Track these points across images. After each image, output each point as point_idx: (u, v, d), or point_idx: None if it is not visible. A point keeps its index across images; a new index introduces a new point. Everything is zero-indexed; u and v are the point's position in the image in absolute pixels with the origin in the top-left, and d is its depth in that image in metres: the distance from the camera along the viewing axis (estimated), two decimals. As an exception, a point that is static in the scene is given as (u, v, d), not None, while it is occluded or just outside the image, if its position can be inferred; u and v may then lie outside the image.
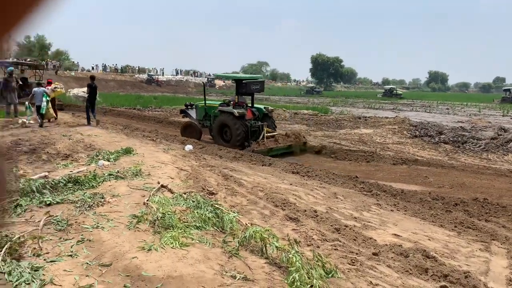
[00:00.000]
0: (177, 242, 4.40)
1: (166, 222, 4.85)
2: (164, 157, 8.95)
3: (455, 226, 6.57)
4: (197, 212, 5.31)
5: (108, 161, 8.45)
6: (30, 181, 6.26)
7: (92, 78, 15.15)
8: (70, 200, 5.82)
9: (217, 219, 5.29)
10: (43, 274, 3.65)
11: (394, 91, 68.42)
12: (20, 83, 18.10)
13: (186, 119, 16.44)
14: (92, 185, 6.64)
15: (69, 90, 15.18)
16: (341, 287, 4.01)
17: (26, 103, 14.86)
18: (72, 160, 8.69)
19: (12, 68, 17.37)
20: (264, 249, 4.52)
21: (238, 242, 4.64)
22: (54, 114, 14.81)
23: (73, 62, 66.46)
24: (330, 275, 4.13)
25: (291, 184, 8.31)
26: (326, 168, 11.10)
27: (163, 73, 70.56)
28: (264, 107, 15.00)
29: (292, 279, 3.76)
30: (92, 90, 14.51)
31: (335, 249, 5.08)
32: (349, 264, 4.63)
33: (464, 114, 32.63)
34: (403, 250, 5.15)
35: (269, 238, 4.52)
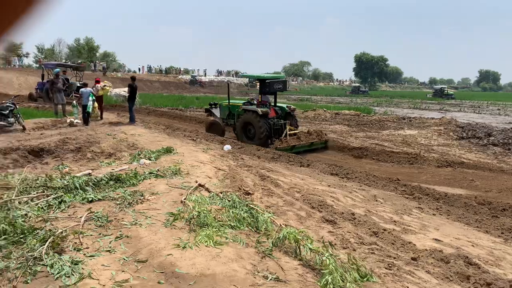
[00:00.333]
0: (211, 241, 4.44)
1: (201, 221, 4.91)
2: (203, 157, 9.08)
3: (502, 233, 6.26)
4: (232, 212, 5.34)
5: (149, 160, 8.67)
6: (74, 178, 6.52)
7: (133, 78, 15.66)
8: (111, 197, 6.02)
9: (252, 219, 5.30)
10: (82, 268, 3.79)
11: (445, 91, 64.89)
12: (66, 84, 18.87)
13: (211, 118, 16.91)
14: (133, 183, 6.83)
15: (110, 90, 15.63)
16: (376, 292, 3.91)
17: (74, 102, 15.55)
18: (115, 159, 8.97)
19: (58, 69, 18.17)
20: (298, 250, 4.48)
21: (272, 243, 4.63)
22: (100, 113, 15.40)
23: (120, 63, 68.78)
24: (365, 279, 4.03)
25: (329, 185, 8.20)
26: (367, 170, 10.88)
27: (205, 74, 71.62)
28: (287, 106, 15.24)
29: (325, 282, 3.71)
30: (133, 90, 14.94)
31: (372, 253, 4.96)
32: (386, 268, 4.51)
33: (517, 115, 31.02)
34: (444, 256, 4.95)
35: (303, 239, 4.48)
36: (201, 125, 16.56)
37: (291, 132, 14.19)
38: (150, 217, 5.23)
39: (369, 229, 5.77)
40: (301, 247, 4.45)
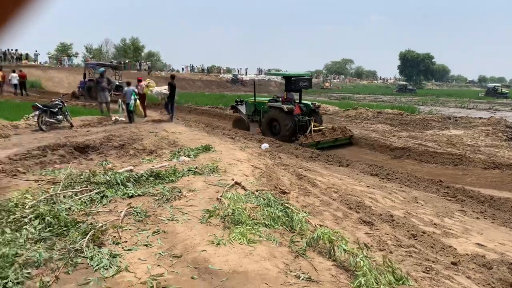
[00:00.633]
0: (244, 238, 4.47)
1: (235, 218, 4.96)
2: (240, 155, 9.15)
3: (553, 239, 5.91)
4: (267, 210, 5.36)
5: (188, 157, 8.83)
6: (116, 174, 6.74)
7: (172, 77, 16.30)
8: (150, 193, 6.18)
9: (286, 218, 5.30)
10: (120, 261, 3.92)
11: (499, 89, 60.46)
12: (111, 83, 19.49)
13: (237, 114, 17.44)
14: (172, 179, 6.99)
15: (150, 89, 16.11)
16: (412, 296, 3.81)
17: (119, 101, 16.11)
18: (156, 156, 9.20)
19: (103, 69, 18.80)
20: (332, 251, 4.44)
21: (306, 243, 4.61)
22: (143, 112, 15.84)
23: (163, 63, 70.37)
24: (400, 282, 3.94)
25: (368, 186, 8.05)
26: (408, 171, 10.59)
27: (246, 72, 72.02)
28: (312, 103, 15.67)
29: (358, 283, 3.66)
30: (172, 88, 15.39)
31: (409, 256, 4.84)
32: (423, 272, 4.38)
33: None
34: (487, 262, 4.75)
35: (337, 240, 4.43)
36: (252, 125, 16.85)
37: (315, 128, 14.52)
38: (186, 213, 5.33)
39: (408, 231, 5.62)
40: (335, 247, 4.41)
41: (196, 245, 4.36)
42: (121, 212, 5.22)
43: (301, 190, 7.01)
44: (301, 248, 4.51)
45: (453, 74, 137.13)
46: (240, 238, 4.47)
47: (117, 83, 23.03)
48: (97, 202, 5.67)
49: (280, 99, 15.40)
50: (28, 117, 13.56)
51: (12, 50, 43.68)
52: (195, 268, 3.88)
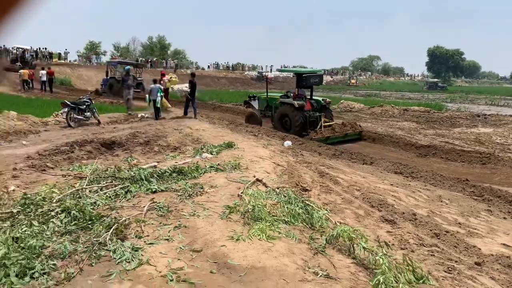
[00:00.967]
0: (264, 235, 4.51)
1: (255, 215, 4.99)
2: (262, 152, 9.18)
3: None
4: (287, 207, 5.37)
5: (211, 154, 8.92)
6: (141, 170, 6.88)
7: (193, 75, 16.70)
8: (173, 188, 6.30)
9: (306, 215, 5.30)
10: (142, 255, 4.02)
11: None
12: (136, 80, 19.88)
13: (249, 110, 17.81)
14: (194, 175, 7.08)
15: (171, 86, 16.45)
16: (432, 295, 3.76)
17: (147, 96, 16.49)
18: (180, 152, 9.34)
19: (129, 67, 19.14)
20: (351, 248, 4.42)
21: (326, 240, 4.61)
22: (169, 105, 16.20)
23: (190, 60, 71.02)
24: (420, 281, 3.90)
25: (391, 184, 7.95)
26: (434, 169, 10.38)
27: (271, 70, 71.99)
28: (322, 99, 15.98)
29: (377, 282, 3.63)
30: (193, 85, 15.70)
31: (431, 255, 4.77)
32: (445, 271, 4.31)
33: None
34: (512, 263, 4.64)
35: (357, 238, 4.41)
36: (263, 120, 16.90)
37: (326, 124, 14.83)
38: (207, 209, 5.41)
39: (431, 230, 5.54)
40: (355, 245, 4.39)
41: (216, 240, 4.43)
42: (144, 207, 5.33)
43: (322, 188, 6.99)
44: (320, 245, 4.51)
45: (484, 70, 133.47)
46: (259, 234, 4.51)
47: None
48: (122, 197, 5.82)
49: (292, 95, 15.71)
50: (58, 114, 13.97)
51: (43, 48, 44.94)
52: (215, 262, 3.94)
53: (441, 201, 7.16)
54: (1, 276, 3.33)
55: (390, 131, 16.38)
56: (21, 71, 29.06)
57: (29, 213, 4.72)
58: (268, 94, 17.08)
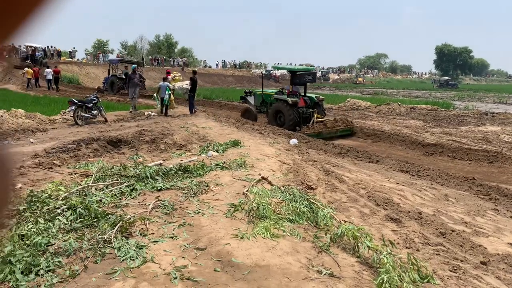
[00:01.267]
0: (268, 233, 4.51)
1: (260, 213, 5.00)
2: (268, 150, 9.17)
3: None
4: (292, 205, 5.37)
5: (217, 152, 8.94)
6: (146, 168, 6.91)
7: (194, 72, 17.00)
8: (178, 186, 6.32)
9: (311, 213, 5.30)
10: (146, 253, 4.04)
11: None
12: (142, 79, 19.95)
13: (245, 105, 18.38)
14: (200, 173, 7.10)
15: (160, 84, 16.74)
16: (436, 295, 3.74)
17: (155, 95, 16.72)
18: (186, 150, 9.37)
19: (135, 65, 19.20)
20: (356, 247, 4.41)
21: (330, 238, 4.60)
22: (175, 105, 16.43)
23: (197, 59, 71.11)
24: (425, 281, 3.88)
25: (397, 183, 7.91)
26: (440, 168, 10.31)
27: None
28: (315, 96, 16.43)
29: (381, 281, 3.62)
30: (194, 83, 16.15)
31: (437, 254, 4.74)
32: (450, 271, 4.29)
33: None
34: (518, 262, 4.60)
35: (361, 237, 4.40)
36: (259, 116, 17.33)
37: (318, 120, 15.31)
38: (212, 207, 5.42)
39: (436, 229, 5.50)
40: (359, 244, 4.38)
41: (220, 238, 4.43)
42: (149, 205, 5.36)
43: (328, 186, 6.97)
44: (324, 243, 4.51)
45: (493, 68, 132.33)
46: (263, 233, 4.51)
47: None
48: (127, 194, 5.85)
49: (286, 91, 16.34)
50: (65, 112, 14.05)
51: (50, 47, 45.22)
52: (219, 261, 3.94)
53: (448, 200, 7.12)
54: (7, 273, 3.36)
55: (397, 129, 16.29)
56: (26, 69, 29.37)
57: (35, 211, 4.76)
58: (264, 90, 17.59)
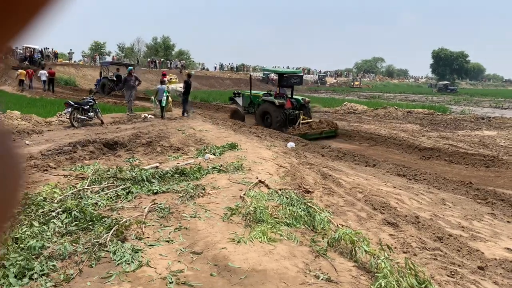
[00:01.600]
0: (265, 237, 4.48)
1: (257, 217, 4.97)
2: (265, 153, 9.15)
3: None
4: (289, 209, 5.34)
5: (214, 155, 8.90)
6: (142, 170, 6.87)
7: (189, 75, 17.17)
8: (174, 190, 6.28)
9: (308, 217, 5.27)
10: (142, 256, 4.00)
11: None
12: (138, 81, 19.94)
13: (234, 106, 19.03)
14: (196, 177, 7.06)
15: (158, 87, 16.90)
16: (434, 300, 3.72)
17: (152, 97, 16.72)
18: (182, 153, 9.32)
19: (131, 67, 19.18)
20: (353, 252, 4.39)
21: (327, 243, 4.57)
22: (172, 107, 16.48)
23: (194, 61, 71.06)
24: (423, 286, 3.85)
25: (394, 187, 7.89)
26: (437, 172, 10.32)
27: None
28: (302, 98, 17.02)
29: (378, 286, 3.60)
30: (187, 86, 16.31)
31: (434, 259, 4.73)
32: (448, 276, 4.27)
33: None
34: (516, 267, 4.58)
35: (359, 241, 4.37)
36: (247, 117, 17.63)
37: (304, 121, 15.86)
38: (209, 211, 5.38)
39: (434, 233, 5.49)
40: (356, 248, 4.35)
41: (217, 242, 4.40)
42: (145, 208, 5.32)
43: (325, 190, 6.95)
44: (322, 248, 4.48)
45: (489, 73, 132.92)
46: (260, 237, 4.48)
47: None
48: (123, 197, 5.80)
49: (274, 93, 16.98)
50: (61, 114, 13.98)
51: (49, 49, 45.13)
52: (215, 265, 3.91)
53: (445, 204, 7.11)
54: (0, 276, 3.31)
55: (394, 133, 16.31)
56: (19, 70, 29.36)
57: (30, 213, 4.71)
58: (252, 91, 18.08)
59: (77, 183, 6.26)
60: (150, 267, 3.81)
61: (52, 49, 47.62)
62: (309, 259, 4.17)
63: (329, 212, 5.71)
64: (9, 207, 0.45)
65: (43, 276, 3.46)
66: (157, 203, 5.54)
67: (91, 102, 13.38)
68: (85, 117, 13.02)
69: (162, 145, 9.95)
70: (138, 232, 4.58)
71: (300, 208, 5.50)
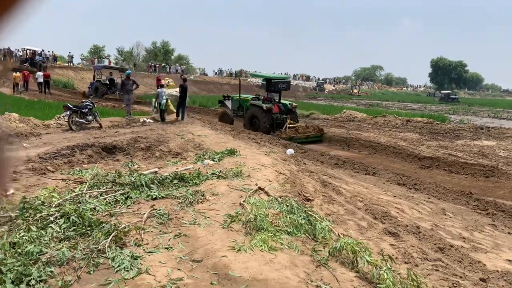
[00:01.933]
0: (266, 246, 4.42)
1: (257, 224, 4.91)
2: (265, 160, 9.10)
3: None
4: (289, 217, 5.29)
5: (213, 160, 8.85)
6: (141, 175, 6.80)
7: (184, 80, 17.36)
8: (174, 195, 6.21)
9: (309, 226, 5.21)
10: (141, 263, 3.93)
11: None
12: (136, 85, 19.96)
13: (223, 109, 19.56)
14: (196, 182, 7.01)
15: (158, 90, 17.08)
16: (437, 313, 3.66)
17: (153, 99, 16.82)
18: (181, 158, 9.27)
19: (130, 71, 19.20)
20: (355, 262, 4.33)
21: (329, 252, 4.52)
22: (175, 110, 16.53)
23: (192, 66, 71.12)
24: (425, 298, 3.80)
25: (394, 196, 7.86)
26: (437, 181, 10.28)
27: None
28: (289, 103, 17.56)
29: (381, 297, 3.54)
30: (183, 90, 16.38)
31: (435, 270, 4.68)
32: (450, 287, 4.22)
33: None
34: (518, 280, 4.53)
35: (361, 251, 4.32)
36: (236, 120, 18.08)
37: (290, 125, 16.34)
38: (208, 218, 5.32)
39: (435, 244, 5.44)
40: (358, 258, 4.30)
41: (217, 250, 4.34)
42: (144, 214, 5.26)
43: (325, 198, 6.90)
44: (323, 257, 4.42)
45: (487, 82, 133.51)
46: (261, 245, 4.42)
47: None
48: (121, 203, 5.74)
49: (262, 98, 17.29)
50: (59, 117, 13.92)
51: (43, 51, 45.07)
52: (215, 273, 3.85)
53: (445, 214, 7.07)
54: (-3, 283, 3.25)
55: (393, 142, 16.27)
56: (14, 74, 29.54)
57: (27, 218, 4.64)
58: (241, 95, 18.49)
59: (75, 187, 6.20)
60: (150, 274, 3.75)
61: (53, 52, 47.67)
62: (310, 269, 4.12)
63: (329, 221, 5.66)
64: None
65: (40, 283, 3.40)
66: (156, 209, 5.48)
67: (90, 105, 13.34)
68: (83, 121, 12.97)
69: (161, 150, 9.90)
70: (137, 238, 4.52)
71: (300, 216, 5.45)
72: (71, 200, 5.45)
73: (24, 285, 3.33)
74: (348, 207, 6.63)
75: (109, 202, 5.65)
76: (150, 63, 59.53)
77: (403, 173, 10.90)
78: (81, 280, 3.58)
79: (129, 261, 3.92)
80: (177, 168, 7.93)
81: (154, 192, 6.22)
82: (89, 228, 4.59)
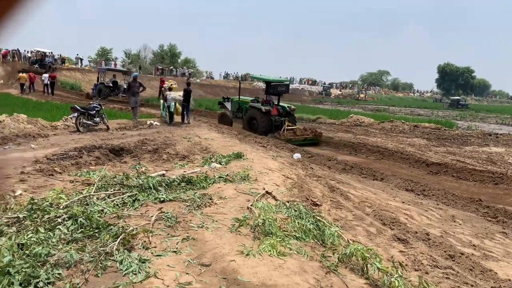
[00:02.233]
0: (275, 251, 4.37)
1: (266, 229, 4.86)
2: (272, 164, 9.06)
3: None
4: (298, 222, 5.23)
5: (220, 164, 8.82)
6: (149, 178, 6.79)
7: (188, 84, 17.35)
8: (181, 198, 6.17)
9: (318, 231, 5.16)
10: (149, 267, 3.89)
11: None
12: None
13: (222, 110, 20.08)
14: (203, 186, 6.97)
15: (166, 93, 17.21)
16: (449, 322, 3.60)
17: (161, 101, 16.96)
18: (188, 161, 9.24)
19: (137, 73, 19.31)
20: (365, 268, 4.27)
21: (338, 258, 4.46)
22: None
23: (199, 70, 71.29)
24: (437, 307, 3.73)
25: (403, 202, 7.78)
26: (445, 187, 10.20)
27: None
28: (288, 106, 17.86)
29: (393, 306, 3.48)
30: (187, 94, 16.45)
31: (446, 278, 4.60)
32: (462, 297, 4.15)
33: None
34: (531, 290, 4.45)
35: (371, 257, 4.26)
36: (235, 121, 18.17)
37: (289, 128, 16.62)
38: (216, 221, 5.28)
39: (445, 251, 5.36)
40: (368, 265, 4.24)
41: (225, 254, 4.29)
42: (152, 216, 5.22)
43: (333, 203, 6.84)
44: (332, 263, 4.37)
45: (494, 89, 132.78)
46: (270, 250, 4.37)
47: (125, 86, 25.73)
48: (129, 205, 5.71)
49: (261, 100, 17.90)
50: (67, 118, 13.97)
51: (51, 53, 45.51)
52: (224, 278, 3.80)
53: (454, 221, 6.99)
54: (5, 284, 3.22)
55: (401, 147, 16.20)
56: (20, 74, 30.05)
57: (35, 219, 4.62)
58: (241, 97, 18.99)
59: (83, 189, 6.18)
60: (158, 278, 3.71)
61: (60, 55, 48.05)
62: (320, 275, 4.06)
63: (338, 227, 5.61)
64: None
65: (48, 285, 3.36)
66: (164, 212, 5.44)
67: (97, 107, 13.38)
68: (91, 122, 13.01)
69: (168, 152, 9.88)
70: (145, 241, 4.48)
71: (309, 221, 5.39)
72: (79, 201, 5.43)
73: (32, 287, 3.30)
74: (356, 213, 6.57)
75: (117, 204, 5.63)
76: (156, 66, 59.74)
77: (411, 179, 10.82)
78: (89, 283, 3.55)
79: (137, 264, 3.88)
80: (184, 171, 7.90)
81: (162, 194, 6.19)
82: (97, 230, 4.56)
